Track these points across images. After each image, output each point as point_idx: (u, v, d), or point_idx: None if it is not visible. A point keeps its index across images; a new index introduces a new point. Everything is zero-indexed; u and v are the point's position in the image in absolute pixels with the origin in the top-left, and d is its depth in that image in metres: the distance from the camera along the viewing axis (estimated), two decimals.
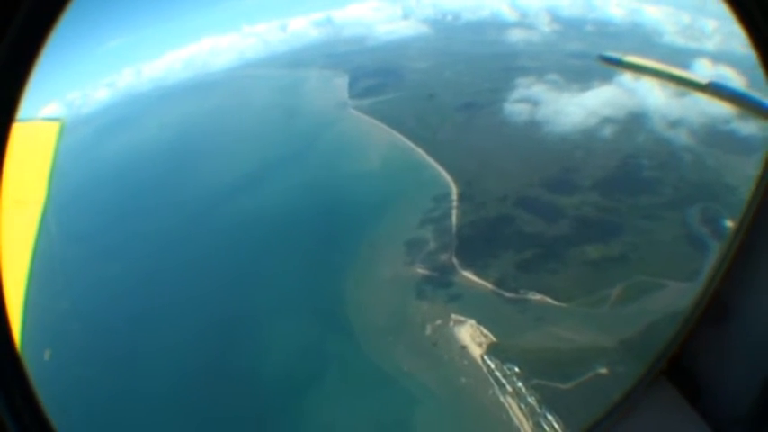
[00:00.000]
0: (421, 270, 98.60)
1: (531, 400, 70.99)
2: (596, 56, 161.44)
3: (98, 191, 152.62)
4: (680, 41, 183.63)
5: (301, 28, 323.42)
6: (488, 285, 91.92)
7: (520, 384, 73.17)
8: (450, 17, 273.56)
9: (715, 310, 6.24)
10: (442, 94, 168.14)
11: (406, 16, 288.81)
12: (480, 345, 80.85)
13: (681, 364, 6.52)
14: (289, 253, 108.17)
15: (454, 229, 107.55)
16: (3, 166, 4.05)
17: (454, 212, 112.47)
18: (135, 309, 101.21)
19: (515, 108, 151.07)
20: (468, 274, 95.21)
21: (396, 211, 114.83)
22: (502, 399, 72.40)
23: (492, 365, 76.86)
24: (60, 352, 74.88)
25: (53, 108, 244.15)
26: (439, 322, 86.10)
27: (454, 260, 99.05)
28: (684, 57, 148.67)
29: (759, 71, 5.12)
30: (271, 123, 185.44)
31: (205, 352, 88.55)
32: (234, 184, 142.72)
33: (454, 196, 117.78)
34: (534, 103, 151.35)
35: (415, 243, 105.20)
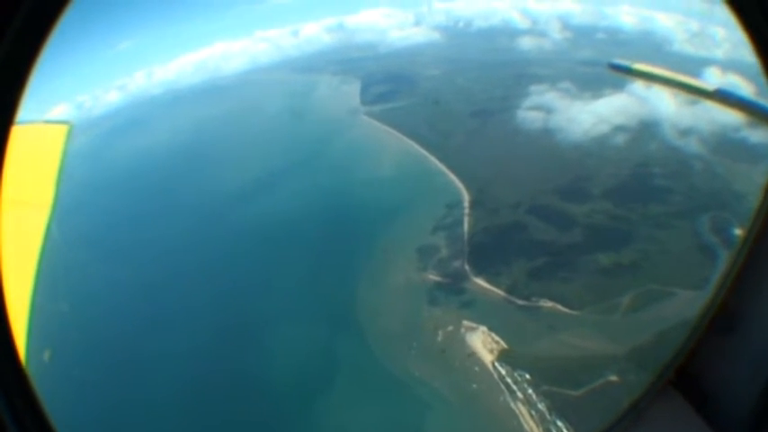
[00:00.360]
0: (433, 276, 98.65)
1: (542, 406, 70.98)
2: (606, 63, 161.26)
3: (107, 194, 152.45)
4: (690, 49, 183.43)
5: (314, 33, 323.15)
6: (500, 292, 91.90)
7: (530, 391, 73.18)
8: (461, 24, 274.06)
9: (723, 319, 6.19)
10: (454, 101, 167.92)
11: (417, 23, 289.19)
12: (492, 351, 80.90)
13: (689, 373, 6.47)
14: (300, 258, 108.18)
15: (466, 235, 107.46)
16: (2, 168, 4.05)
17: (466, 219, 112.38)
18: (143, 313, 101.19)
19: (528, 115, 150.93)
20: (480, 281, 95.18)
21: (408, 218, 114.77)
22: (512, 405, 72.45)
23: (503, 372, 76.91)
24: (65, 354, 75.28)
25: (63, 109, 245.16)
26: (451, 328, 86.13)
27: (466, 267, 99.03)
28: (694, 65, 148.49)
29: (762, 77, 5.09)
30: (282, 128, 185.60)
31: (214, 356, 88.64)
32: (244, 188, 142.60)
33: (466, 203, 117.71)
34: (547, 110, 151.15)
35: (427, 249, 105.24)
